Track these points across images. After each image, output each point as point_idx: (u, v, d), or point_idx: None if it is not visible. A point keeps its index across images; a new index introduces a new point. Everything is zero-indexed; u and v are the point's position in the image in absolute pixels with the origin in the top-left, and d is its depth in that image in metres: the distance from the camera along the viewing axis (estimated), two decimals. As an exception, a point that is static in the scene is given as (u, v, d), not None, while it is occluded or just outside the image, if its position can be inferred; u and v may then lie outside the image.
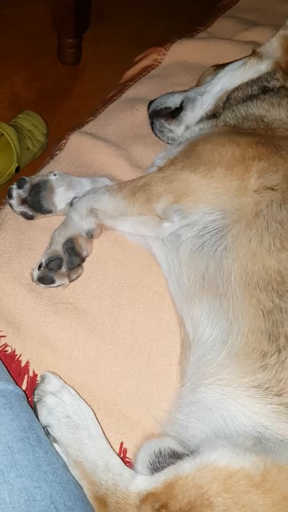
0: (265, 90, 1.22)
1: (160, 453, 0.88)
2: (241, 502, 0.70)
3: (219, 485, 0.72)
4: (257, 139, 1.05)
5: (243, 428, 0.82)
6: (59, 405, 0.91)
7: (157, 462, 0.88)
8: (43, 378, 0.96)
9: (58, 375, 0.97)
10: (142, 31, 2.41)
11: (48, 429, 0.89)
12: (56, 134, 1.94)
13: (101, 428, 0.92)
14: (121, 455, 0.95)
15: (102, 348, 1.05)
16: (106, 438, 0.91)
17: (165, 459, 0.87)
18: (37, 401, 0.93)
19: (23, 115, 2.00)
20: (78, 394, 0.95)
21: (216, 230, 1.00)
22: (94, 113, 1.49)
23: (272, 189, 0.98)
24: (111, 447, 0.90)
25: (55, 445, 0.88)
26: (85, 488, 0.84)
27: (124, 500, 0.79)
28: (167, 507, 0.74)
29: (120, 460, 0.87)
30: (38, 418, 0.91)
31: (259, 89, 1.23)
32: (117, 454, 0.91)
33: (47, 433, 0.89)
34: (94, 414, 0.93)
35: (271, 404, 0.82)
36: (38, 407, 0.92)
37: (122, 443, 0.97)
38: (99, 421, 0.95)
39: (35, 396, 0.93)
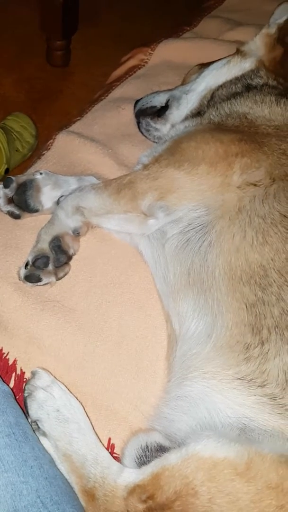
0: (248, 88, 1.23)
1: (147, 447, 0.89)
2: (225, 491, 0.71)
3: (204, 475, 0.73)
4: (240, 136, 1.06)
5: (227, 420, 0.83)
6: (49, 400, 0.92)
7: (144, 456, 0.88)
8: (33, 373, 0.97)
9: (48, 371, 0.98)
10: (130, 32, 2.43)
11: (38, 423, 0.90)
12: (46, 135, 1.94)
13: (90, 422, 0.93)
14: (109, 450, 0.96)
15: (90, 345, 1.05)
16: (95, 432, 0.92)
17: (151, 453, 0.88)
18: (27, 396, 0.93)
19: (12, 117, 2.01)
20: (68, 388, 0.96)
21: (200, 226, 1.01)
22: (81, 113, 1.50)
23: (255, 185, 0.99)
24: (100, 441, 0.91)
25: (44, 439, 0.89)
26: (74, 482, 0.84)
27: (112, 493, 0.80)
28: (153, 498, 0.75)
29: (109, 454, 0.88)
30: (28, 413, 0.92)
31: (243, 86, 1.24)
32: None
33: (37, 427, 0.90)
34: (84, 409, 0.94)
35: (255, 395, 0.83)
36: (28, 401, 0.93)
37: (110, 439, 0.98)
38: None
39: (26, 391, 0.94)
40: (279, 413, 0.81)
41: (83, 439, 0.88)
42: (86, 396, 1.01)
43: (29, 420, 0.91)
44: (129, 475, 0.82)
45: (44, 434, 0.89)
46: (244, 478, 0.71)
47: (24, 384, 0.98)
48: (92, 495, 0.82)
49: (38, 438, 0.88)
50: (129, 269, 1.15)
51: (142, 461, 0.88)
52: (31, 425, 0.90)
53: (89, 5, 2.47)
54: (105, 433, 0.98)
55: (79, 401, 0.97)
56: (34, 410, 0.91)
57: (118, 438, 0.97)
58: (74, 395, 0.97)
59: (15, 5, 2.52)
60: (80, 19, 2.27)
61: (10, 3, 2.52)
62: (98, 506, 0.80)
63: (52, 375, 0.97)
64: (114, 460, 0.88)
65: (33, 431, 0.89)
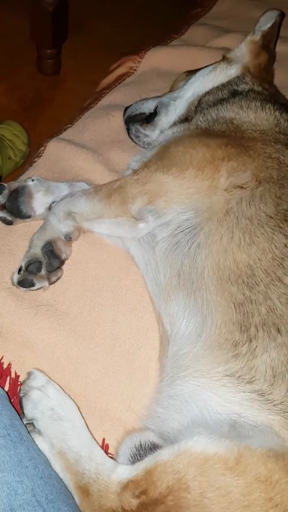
0: (234, 94, 1.26)
1: (141, 446, 0.91)
2: (216, 485, 0.73)
3: (195, 470, 0.75)
4: (226, 140, 1.09)
5: (218, 417, 0.85)
6: (43, 399, 0.94)
7: (137, 455, 0.90)
8: (29, 374, 0.99)
9: (43, 372, 1.00)
10: (120, 41, 2.46)
11: (33, 422, 0.92)
12: (38, 143, 1.95)
13: (85, 421, 0.95)
14: (103, 450, 0.97)
15: (83, 348, 1.07)
16: (89, 430, 0.93)
17: (145, 452, 0.90)
18: (22, 395, 0.96)
19: (4, 125, 2.03)
20: (62, 389, 0.98)
21: (189, 228, 1.03)
22: (72, 121, 1.53)
23: (242, 187, 1.02)
24: (94, 439, 0.92)
25: (39, 439, 0.91)
26: (68, 479, 0.86)
27: (106, 488, 0.82)
28: (146, 493, 0.77)
29: (103, 451, 0.90)
30: (23, 412, 0.94)
31: (229, 92, 1.27)
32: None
33: (33, 427, 0.92)
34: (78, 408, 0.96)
35: (244, 392, 0.85)
36: (24, 401, 0.95)
37: (104, 439, 0.99)
38: (82, 419, 0.98)
39: (21, 392, 0.96)
40: (267, 409, 0.83)
41: (77, 436, 0.90)
42: (80, 397, 1.03)
43: (24, 421, 0.93)
44: (123, 471, 0.83)
45: (39, 432, 0.91)
46: (234, 472, 0.74)
47: (19, 386, 0.99)
48: (86, 491, 0.84)
49: (33, 440, 0.90)
50: (120, 272, 1.17)
51: (136, 460, 0.89)
52: (26, 427, 0.91)
53: (79, 14, 2.50)
54: (99, 434, 1.00)
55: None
56: (29, 409, 0.93)
57: (112, 438, 0.99)
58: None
59: (5, 14, 2.54)
60: (70, 28, 2.30)
61: (0, 13, 2.55)
62: (93, 502, 0.82)
63: (47, 375, 0.99)
64: (108, 457, 0.89)
65: (28, 432, 0.90)
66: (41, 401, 0.94)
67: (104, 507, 0.81)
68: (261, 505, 0.72)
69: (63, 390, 0.98)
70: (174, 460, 0.77)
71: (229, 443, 0.77)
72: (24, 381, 0.98)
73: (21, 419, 0.92)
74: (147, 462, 0.80)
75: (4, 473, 0.77)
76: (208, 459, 0.75)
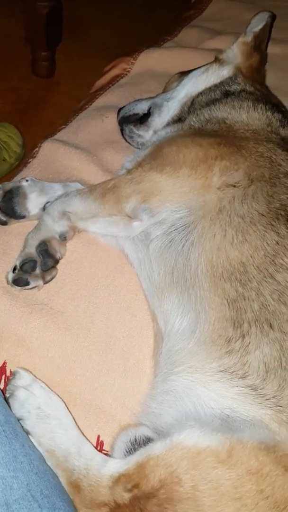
0: (227, 94, 1.28)
1: (136, 440, 0.92)
2: (208, 478, 0.75)
3: (187, 463, 0.76)
4: (219, 140, 1.10)
5: (211, 412, 0.86)
6: (30, 398, 0.94)
7: (132, 450, 0.91)
8: (14, 373, 0.99)
9: (29, 370, 1.00)
10: (114, 43, 2.48)
11: (21, 422, 0.92)
12: (32, 144, 1.96)
13: (74, 419, 0.95)
14: (98, 447, 0.98)
15: (78, 346, 1.08)
16: (79, 427, 0.94)
17: (140, 446, 0.90)
18: (9, 396, 0.96)
19: (-2, 127, 2.04)
20: (49, 387, 0.98)
21: (183, 226, 1.04)
22: (66, 122, 1.54)
23: (234, 186, 1.03)
24: (83, 435, 0.93)
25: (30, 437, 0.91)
26: (60, 476, 0.87)
27: (97, 483, 0.83)
28: (138, 487, 0.77)
29: (93, 447, 0.91)
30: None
31: (221, 93, 1.29)
32: (94, 446, 0.94)
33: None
34: (67, 406, 0.97)
35: (237, 387, 0.86)
36: (10, 401, 0.95)
37: (98, 436, 1.00)
38: (76, 417, 0.98)
39: (7, 392, 0.96)
40: (259, 403, 0.84)
41: (65, 433, 0.91)
42: (75, 395, 1.03)
43: (18, 419, 0.94)
44: (114, 465, 0.84)
45: (27, 432, 0.91)
46: (226, 465, 0.75)
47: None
48: (77, 487, 0.84)
49: (28, 436, 0.90)
50: (115, 271, 1.18)
51: (131, 454, 0.90)
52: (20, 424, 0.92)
53: (73, 16, 2.52)
54: (94, 431, 1.00)
55: (68, 401, 0.99)
56: (16, 409, 0.94)
57: (107, 435, 1.00)
58: (62, 396, 1.00)
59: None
60: (64, 30, 2.32)
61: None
62: (84, 497, 0.83)
63: (33, 374, 1.00)
64: (98, 452, 0.90)
65: (23, 429, 0.90)
66: (28, 400, 0.94)
67: (96, 501, 0.81)
68: (252, 497, 0.73)
69: (50, 388, 0.98)
70: (166, 453, 0.78)
71: (221, 437, 0.78)
72: (9, 381, 0.98)
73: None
74: (138, 455, 0.81)
75: (0, 469, 0.77)
76: (200, 452, 0.76)
